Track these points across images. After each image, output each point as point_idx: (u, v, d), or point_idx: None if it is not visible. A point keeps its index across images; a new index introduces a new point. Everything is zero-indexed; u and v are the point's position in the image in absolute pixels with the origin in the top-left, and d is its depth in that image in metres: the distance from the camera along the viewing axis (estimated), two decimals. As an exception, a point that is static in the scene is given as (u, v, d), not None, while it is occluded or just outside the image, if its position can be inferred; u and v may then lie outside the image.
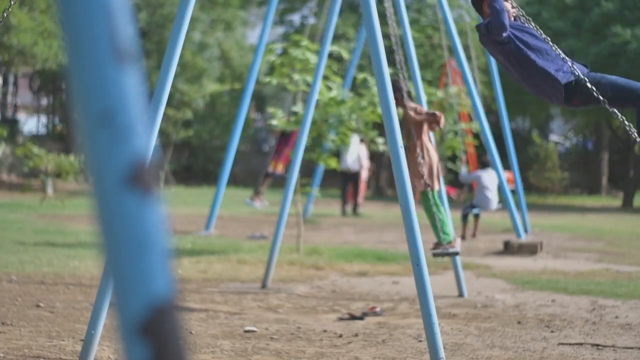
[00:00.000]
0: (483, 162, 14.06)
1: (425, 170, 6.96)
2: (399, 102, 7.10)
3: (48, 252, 10.21)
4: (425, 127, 7.14)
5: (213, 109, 30.39)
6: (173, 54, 4.88)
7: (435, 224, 7.04)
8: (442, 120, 7.14)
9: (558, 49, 5.23)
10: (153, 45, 27.22)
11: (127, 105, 1.15)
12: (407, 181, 4.83)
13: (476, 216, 14.02)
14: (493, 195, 13.52)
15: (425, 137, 7.13)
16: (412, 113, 7.10)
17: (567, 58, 5.14)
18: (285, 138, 14.33)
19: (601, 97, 5.08)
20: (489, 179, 13.47)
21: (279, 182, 17.23)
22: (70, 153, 21.66)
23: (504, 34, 5.12)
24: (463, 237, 13.84)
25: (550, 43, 5.29)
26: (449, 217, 7.43)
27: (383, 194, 29.78)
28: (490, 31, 5.17)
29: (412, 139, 7.00)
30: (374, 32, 4.87)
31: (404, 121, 7.04)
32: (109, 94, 1.15)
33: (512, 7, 5.40)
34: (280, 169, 14.39)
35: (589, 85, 5.05)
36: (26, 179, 23.17)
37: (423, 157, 7.01)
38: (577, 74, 5.10)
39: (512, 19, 5.34)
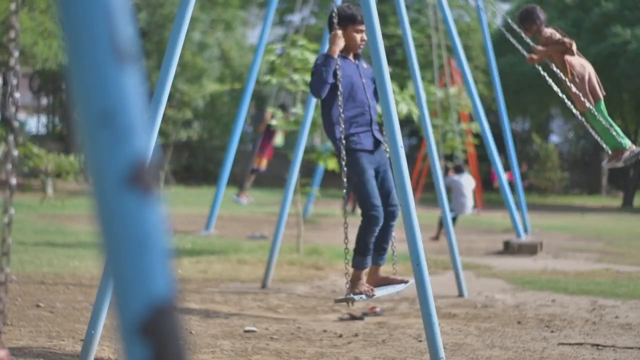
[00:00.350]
0: (457, 168, 14.53)
1: (580, 88, 6.56)
2: (535, 32, 6.69)
3: (48, 252, 10.21)
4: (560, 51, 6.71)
5: (213, 109, 30.39)
6: (173, 54, 4.88)
7: (610, 134, 6.67)
8: (574, 46, 6.60)
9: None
10: (153, 45, 27.22)
11: (127, 105, 1.15)
12: (407, 181, 4.83)
13: (453, 219, 14.37)
14: (467, 201, 14.01)
15: (568, 57, 6.65)
16: (541, 48, 6.62)
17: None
18: (270, 134, 14.41)
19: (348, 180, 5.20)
20: (464, 184, 13.83)
21: (280, 182, 17.22)
22: (70, 153, 21.66)
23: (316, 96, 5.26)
24: (437, 238, 13.96)
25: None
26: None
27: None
28: (311, 82, 5.24)
29: (555, 65, 6.58)
30: (374, 32, 4.87)
31: (540, 46, 6.61)
32: (109, 94, 1.15)
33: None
34: (264, 164, 14.47)
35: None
36: (26, 179, 23.18)
37: (577, 77, 6.61)
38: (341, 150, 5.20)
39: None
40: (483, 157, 17.71)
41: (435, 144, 8.33)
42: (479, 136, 15.37)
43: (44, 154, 19.61)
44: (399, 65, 26.69)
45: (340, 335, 6.04)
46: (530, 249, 12.06)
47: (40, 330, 5.79)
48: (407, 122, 21.59)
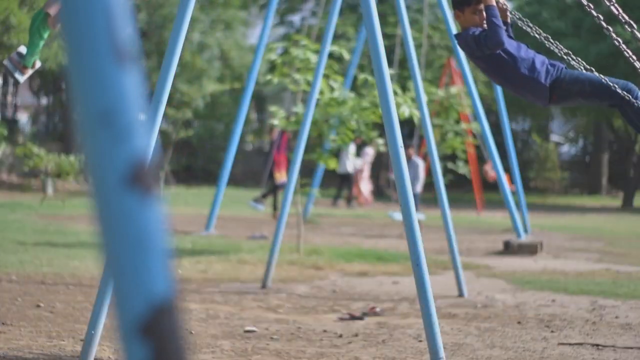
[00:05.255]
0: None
1: None
2: None
3: (48, 252, 10.21)
4: None
5: (213, 109, 30.39)
6: (173, 54, 4.88)
7: None
8: None
9: (545, 39, 5.21)
10: (153, 45, 27.23)
11: (127, 105, 1.15)
12: (407, 181, 4.83)
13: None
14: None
15: None
16: None
17: (542, 57, 5.10)
18: (280, 144, 14.63)
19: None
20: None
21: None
22: (70, 153, 21.66)
23: (498, 50, 5.04)
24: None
25: (539, 31, 5.25)
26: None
27: (383, 194, 29.78)
28: (484, 45, 4.99)
29: None
30: (374, 32, 4.87)
31: None
32: (109, 94, 1.15)
33: (503, 6, 5.29)
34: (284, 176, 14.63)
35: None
36: (26, 179, 23.16)
37: None
38: (558, 69, 5.08)
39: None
40: (483, 157, 17.72)
41: (435, 144, 8.34)
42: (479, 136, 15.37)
43: (44, 154, 19.59)
44: (399, 65, 26.68)
45: (340, 335, 6.04)
46: (530, 249, 12.05)
47: (40, 330, 5.79)
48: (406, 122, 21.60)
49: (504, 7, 5.23)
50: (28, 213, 16.13)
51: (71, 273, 8.64)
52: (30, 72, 5.96)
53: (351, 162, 20.84)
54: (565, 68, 5.15)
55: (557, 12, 27.14)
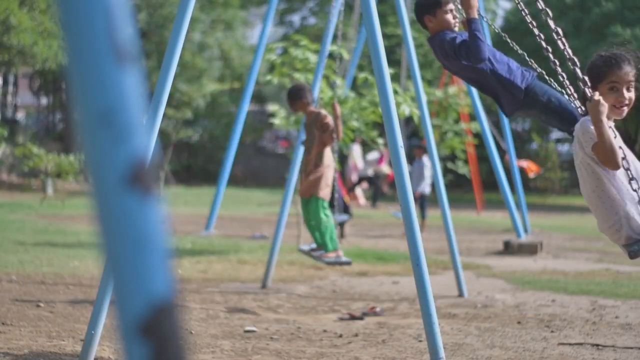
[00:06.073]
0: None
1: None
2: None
3: (48, 252, 10.21)
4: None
5: (213, 109, 30.41)
6: (173, 54, 4.88)
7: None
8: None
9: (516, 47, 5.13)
10: (153, 45, 27.23)
11: (127, 105, 1.15)
12: (407, 181, 4.83)
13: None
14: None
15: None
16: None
17: (514, 66, 5.03)
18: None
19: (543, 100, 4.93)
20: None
21: (280, 183, 17.19)
22: (70, 153, 21.65)
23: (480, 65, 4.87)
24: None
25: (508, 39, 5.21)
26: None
27: (383, 194, 29.79)
28: (464, 58, 4.84)
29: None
30: (374, 32, 4.86)
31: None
32: (109, 94, 1.15)
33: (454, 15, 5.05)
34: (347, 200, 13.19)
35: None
36: (26, 179, 23.15)
37: None
38: (529, 77, 4.99)
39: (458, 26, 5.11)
40: (483, 157, 17.71)
41: (435, 144, 8.34)
42: (479, 136, 15.37)
43: (44, 154, 19.59)
44: (399, 65, 26.69)
45: (340, 335, 6.04)
46: (530, 249, 12.05)
47: (40, 330, 5.79)
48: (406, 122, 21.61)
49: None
50: (28, 213, 16.13)
51: (71, 273, 8.64)
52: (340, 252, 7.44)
53: (370, 165, 20.74)
54: (537, 77, 5.06)
55: (557, 12, 27.14)
